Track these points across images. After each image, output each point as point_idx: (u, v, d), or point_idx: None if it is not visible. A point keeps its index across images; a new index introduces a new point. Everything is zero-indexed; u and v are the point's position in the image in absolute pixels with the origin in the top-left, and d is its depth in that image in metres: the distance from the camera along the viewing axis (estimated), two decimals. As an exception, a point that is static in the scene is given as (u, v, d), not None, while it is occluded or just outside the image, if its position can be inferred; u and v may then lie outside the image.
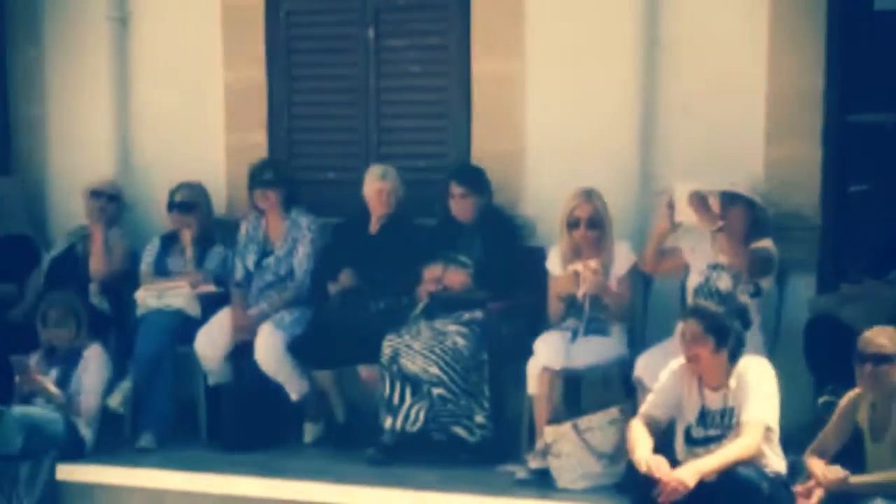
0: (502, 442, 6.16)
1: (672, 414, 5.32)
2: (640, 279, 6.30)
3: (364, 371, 6.40)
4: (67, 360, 6.55)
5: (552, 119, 6.79)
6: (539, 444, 5.87)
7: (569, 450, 5.75)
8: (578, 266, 6.04)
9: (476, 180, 6.59)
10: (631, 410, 5.63)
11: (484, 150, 6.89)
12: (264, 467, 6.18)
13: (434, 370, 6.11)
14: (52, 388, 6.40)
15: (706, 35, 6.46)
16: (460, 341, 6.15)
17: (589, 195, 6.23)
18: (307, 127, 7.32)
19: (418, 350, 6.15)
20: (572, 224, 6.21)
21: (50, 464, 6.15)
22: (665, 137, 6.56)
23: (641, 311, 6.36)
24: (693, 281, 6.02)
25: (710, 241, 6.00)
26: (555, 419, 5.84)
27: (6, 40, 7.70)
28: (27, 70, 7.67)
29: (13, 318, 7.04)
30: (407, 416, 6.14)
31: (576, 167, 6.59)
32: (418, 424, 6.13)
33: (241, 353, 6.61)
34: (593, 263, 6.04)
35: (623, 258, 6.24)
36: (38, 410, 6.32)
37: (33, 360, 6.50)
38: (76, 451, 6.36)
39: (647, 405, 5.36)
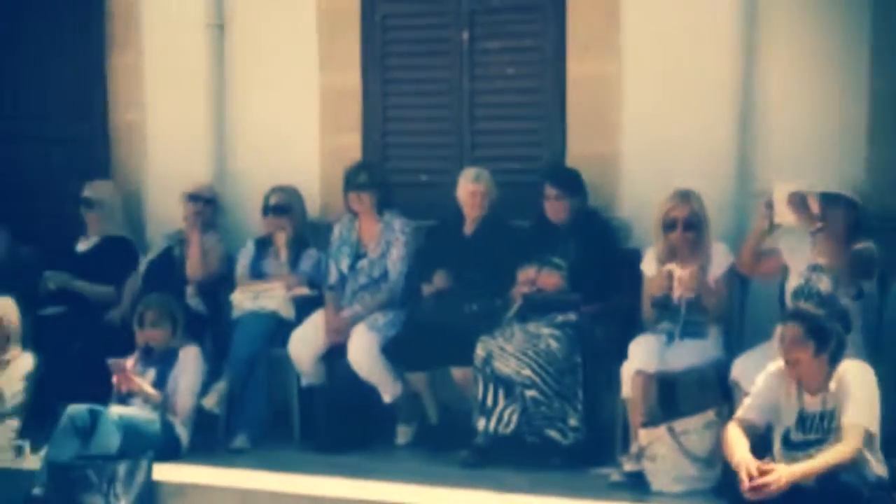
0: (596, 445, 6.18)
1: (769, 418, 5.26)
2: (737, 281, 6.26)
3: (457, 373, 6.45)
4: (164, 361, 6.69)
5: (648, 120, 6.80)
6: (633, 448, 5.87)
7: (664, 453, 5.73)
8: (673, 266, 6.02)
9: (571, 182, 6.62)
10: (727, 414, 5.58)
11: (579, 151, 6.92)
12: (357, 469, 6.25)
13: (527, 372, 6.14)
14: (149, 389, 6.55)
15: (806, 34, 6.43)
16: (554, 344, 6.17)
17: (686, 196, 6.21)
18: (401, 130, 7.41)
19: (512, 352, 6.19)
20: (669, 226, 6.20)
21: (147, 464, 6.22)
22: (764, 137, 6.53)
23: (738, 314, 6.33)
24: (792, 283, 5.96)
25: (809, 243, 5.94)
26: (649, 422, 5.83)
27: (107, 46, 7.89)
28: (127, 76, 7.86)
29: (111, 320, 7.23)
30: (500, 419, 6.17)
31: (672, 168, 6.59)
32: (511, 427, 6.16)
33: (334, 355, 6.70)
34: (688, 271, 6.02)
35: (720, 260, 6.20)
36: (135, 411, 6.45)
37: (130, 361, 6.65)
38: (172, 452, 6.48)
39: (744, 409, 5.31)
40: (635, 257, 6.44)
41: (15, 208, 8.01)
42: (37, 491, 6.16)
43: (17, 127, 8.29)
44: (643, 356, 5.97)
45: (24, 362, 6.89)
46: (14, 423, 6.78)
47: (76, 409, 6.31)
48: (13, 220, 7.86)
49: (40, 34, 8.17)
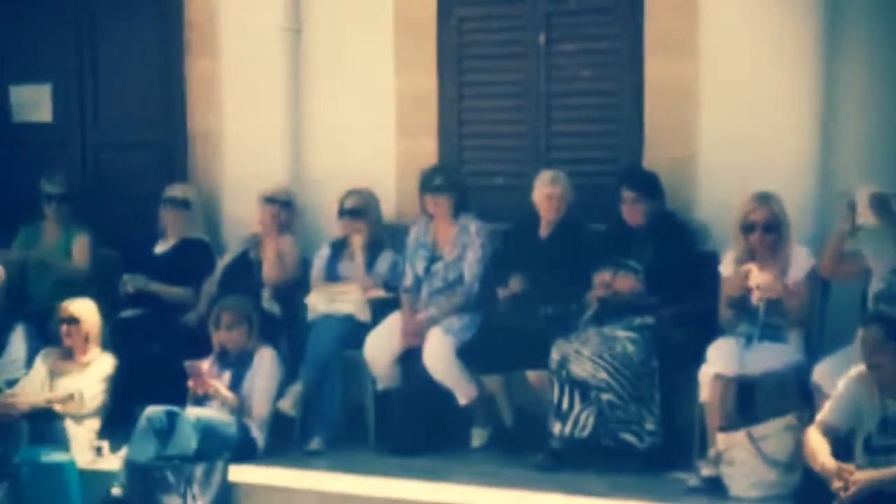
0: (673, 449, 6.17)
1: (851, 422, 5.24)
2: (818, 284, 6.23)
3: (532, 376, 6.49)
4: (239, 364, 6.79)
5: (727, 121, 6.81)
6: (711, 452, 5.86)
7: (742, 457, 5.72)
8: (752, 266, 6.00)
9: (648, 185, 6.63)
10: (808, 418, 5.56)
11: (656, 154, 6.94)
12: (431, 472, 6.30)
13: (603, 376, 6.16)
14: (225, 392, 6.66)
15: (887, 32, 6.37)
16: (630, 347, 6.19)
17: (765, 199, 6.20)
18: (477, 133, 7.48)
19: (588, 356, 6.21)
20: (748, 228, 6.19)
21: (223, 465, 6.32)
22: (845, 138, 6.51)
23: (819, 317, 6.29)
24: (875, 286, 5.91)
25: (892, 245, 5.89)
26: (728, 426, 5.82)
27: (185, 53, 8.05)
28: (205, 81, 7.99)
29: (188, 322, 7.33)
30: (576, 422, 6.20)
31: (751, 170, 6.60)
32: (587, 430, 6.19)
33: (410, 357, 6.76)
34: (767, 274, 6.00)
35: (800, 262, 6.18)
36: (212, 413, 6.56)
37: (206, 364, 6.76)
38: (248, 453, 6.58)
39: (825, 413, 5.29)
40: (713, 260, 6.44)
41: (96, 212, 8.18)
42: (116, 491, 6.30)
43: (98, 133, 8.50)
44: (722, 359, 5.97)
45: (103, 364, 7.03)
46: (93, 424, 6.91)
47: (154, 411, 6.44)
48: (94, 224, 8.01)
49: (120, 42, 8.36)
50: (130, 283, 7.49)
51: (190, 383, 6.65)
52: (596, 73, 7.17)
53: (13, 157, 8.64)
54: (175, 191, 7.73)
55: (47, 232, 7.95)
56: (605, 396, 6.15)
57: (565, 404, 6.22)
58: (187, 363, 6.66)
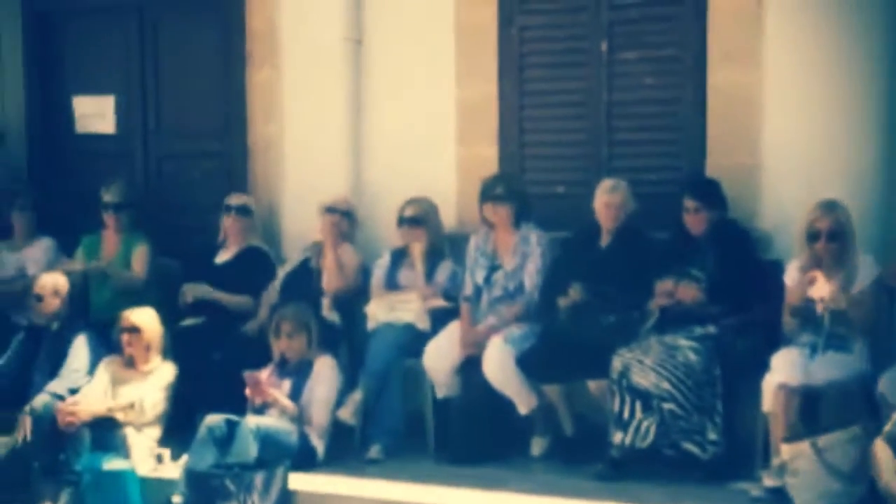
0: (735, 459, 6.17)
1: (919, 433, 5.23)
2: (884, 293, 6.21)
3: (593, 385, 6.51)
4: (299, 372, 6.87)
5: (791, 129, 6.82)
6: (775, 462, 5.86)
7: (806, 468, 5.70)
8: (817, 273, 5.99)
9: (711, 194, 6.64)
10: (874, 429, 5.54)
11: (719, 162, 6.96)
12: (491, 481, 6.35)
13: (665, 385, 6.18)
14: (284, 401, 6.73)
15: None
16: (692, 356, 6.20)
17: (831, 207, 6.19)
18: (538, 141, 7.53)
19: (649, 365, 6.23)
20: (812, 236, 6.19)
21: (283, 473, 6.38)
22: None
23: (886, 326, 6.26)
24: (943, 295, 5.92)
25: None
26: (792, 437, 5.80)
27: (246, 63, 8.17)
28: (266, 91, 8.11)
29: (248, 331, 7.42)
30: (637, 432, 6.22)
31: (816, 178, 6.62)
32: (648, 440, 6.20)
33: (469, 366, 6.80)
34: (831, 283, 5.99)
35: (866, 271, 6.16)
36: (271, 421, 6.63)
37: (266, 373, 6.85)
38: (308, 461, 6.64)
39: (892, 425, 5.27)
40: (777, 268, 6.44)
41: (157, 222, 8.34)
42: (176, 499, 6.39)
43: (160, 143, 8.65)
44: (786, 369, 5.96)
45: (164, 372, 7.14)
46: (154, 433, 7.02)
47: (214, 420, 6.53)
48: (155, 234, 8.14)
49: (183, 53, 8.53)
50: (190, 291, 7.60)
51: (248, 392, 6.74)
52: (658, 80, 7.20)
53: (77, 167, 8.83)
54: (236, 199, 7.84)
55: (108, 242, 8.07)
56: (667, 406, 6.17)
57: (626, 413, 6.24)
58: (246, 373, 6.74)
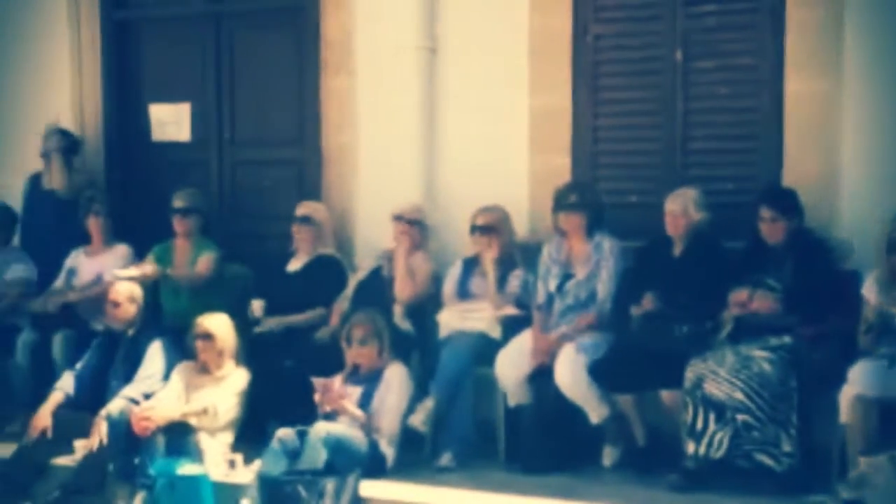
0: (811, 472, 6.15)
1: None
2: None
3: (666, 395, 6.52)
4: (370, 380, 6.94)
5: (871, 138, 6.79)
6: (852, 475, 5.80)
7: (884, 482, 5.66)
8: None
9: (787, 203, 6.63)
10: (956, 443, 5.53)
11: (796, 171, 6.94)
12: (562, 490, 6.37)
13: (739, 396, 6.17)
14: (353, 409, 6.80)
15: None
16: (767, 367, 6.19)
17: (911, 218, 6.17)
18: (611, 150, 7.56)
19: (723, 375, 6.23)
20: (891, 248, 6.15)
21: (354, 480, 6.44)
22: None
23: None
24: None
25: None
26: (869, 449, 5.78)
27: (321, 70, 8.26)
28: (340, 99, 8.20)
29: (320, 339, 7.48)
30: (710, 443, 6.22)
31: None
32: (722, 451, 6.20)
33: (541, 375, 6.83)
34: None
35: (946, 283, 6.13)
36: (342, 428, 6.69)
37: (337, 380, 6.93)
38: (377, 469, 6.71)
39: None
40: (854, 279, 6.41)
41: (231, 230, 8.49)
42: (244, 503, 6.49)
43: (234, 151, 8.78)
44: (864, 381, 5.95)
45: (237, 378, 7.25)
46: (227, 438, 7.14)
47: (286, 434, 6.61)
48: (229, 241, 8.29)
49: (258, 61, 8.65)
50: (258, 306, 7.70)
51: (316, 399, 6.83)
52: (734, 89, 7.20)
53: (152, 175, 8.99)
54: (302, 209, 7.92)
55: (178, 249, 8.19)
56: (741, 417, 6.16)
57: (699, 424, 6.24)
58: (315, 379, 6.83)
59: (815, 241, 6.63)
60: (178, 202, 8.14)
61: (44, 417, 7.26)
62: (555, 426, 6.79)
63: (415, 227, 7.52)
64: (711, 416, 6.22)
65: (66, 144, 8.72)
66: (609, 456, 6.82)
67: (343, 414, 6.79)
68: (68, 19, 9.10)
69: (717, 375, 6.24)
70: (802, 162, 6.94)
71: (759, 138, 7.15)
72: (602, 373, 6.65)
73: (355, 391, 6.92)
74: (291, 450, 6.57)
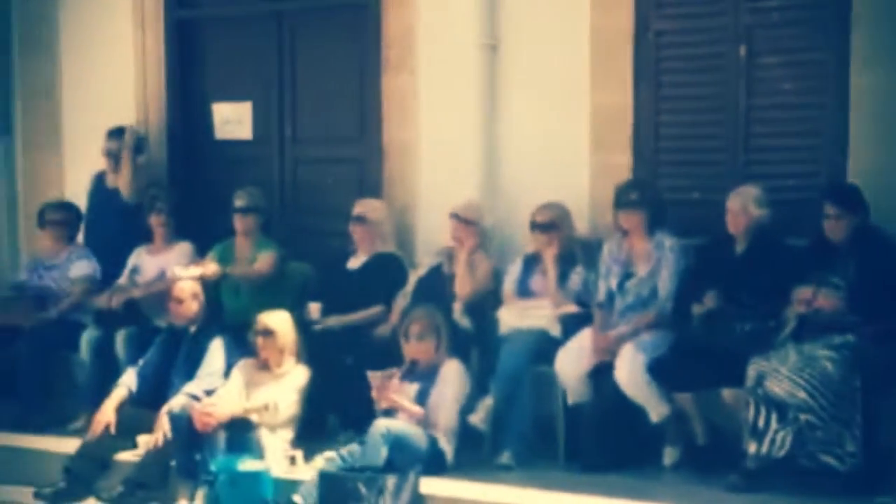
0: (876, 472, 6.09)
1: None
2: None
3: (727, 394, 6.49)
4: (427, 376, 6.98)
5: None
6: (918, 477, 5.79)
7: (950, 482, 5.65)
8: None
9: (852, 200, 6.59)
10: None
11: (861, 167, 6.88)
12: (621, 489, 6.37)
13: (802, 395, 6.14)
14: (408, 405, 6.86)
15: None
16: (830, 366, 6.15)
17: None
18: (673, 147, 7.53)
19: (786, 374, 6.20)
20: (959, 244, 6.12)
21: (415, 477, 6.49)
22: None
23: None
24: None
25: None
26: (936, 450, 5.75)
27: (383, 68, 8.31)
28: (401, 96, 8.25)
29: (380, 336, 7.52)
30: (772, 442, 6.19)
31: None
32: (784, 451, 6.17)
33: (601, 373, 6.83)
34: None
35: None
36: (401, 425, 6.74)
37: (395, 375, 6.98)
38: (437, 466, 6.75)
39: None
40: (922, 277, 6.36)
41: (293, 226, 8.58)
42: (297, 499, 6.55)
43: (296, 149, 8.86)
44: (929, 380, 5.90)
45: (298, 375, 7.32)
46: (287, 434, 7.20)
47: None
48: (291, 239, 8.38)
49: (319, 59, 8.72)
50: (315, 309, 7.77)
51: (373, 394, 6.89)
52: (798, 85, 7.15)
53: (215, 173, 9.10)
54: (357, 207, 7.95)
55: (239, 247, 8.26)
56: (804, 416, 6.13)
57: (761, 423, 6.21)
58: (370, 374, 6.89)
59: (880, 238, 6.57)
60: (238, 201, 8.22)
61: (107, 413, 7.38)
62: (614, 424, 6.79)
63: (475, 224, 7.55)
64: (773, 416, 6.19)
65: (130, 143, 8.85)
66: (669, 455, 6.80)
67: (401, 410, 6.83)
68: (133, 19, 9.24)
69: (780, 374, 6.21)
70: (867, 158, 6.87)
71: (824, 134, 7.09)
72: (662, 371, 6.64)
73: (412, 387, 6.96)
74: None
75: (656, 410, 6.71)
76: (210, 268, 7.97)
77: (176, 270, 7.90)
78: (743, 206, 6.76)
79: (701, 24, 7.47)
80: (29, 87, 9.73)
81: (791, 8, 7.19)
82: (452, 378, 6.94)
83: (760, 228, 6.77)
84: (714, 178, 7.34)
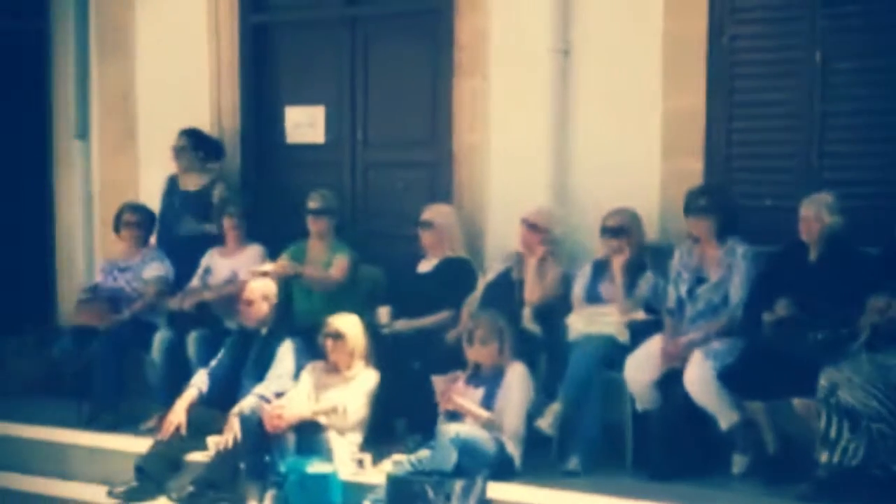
0: (949, 483, 6.04)
1: None
2: None
3: (798, 403, 6.45)
4: (492, 380, 7.02)
5: None
6: None
7: None
8: None
9: (929, 207, 6.55)
10: None
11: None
12: (689, 497, 6.37)
13: (875, 404, 6.10)
14: (473, 409, 6.90)
15: None
16: (904, 376, 6.11)
17: None
18: (746, 153, 7.49)
19: (859, 384, 6.15)
20: None
21: (482, 482, 6.53)
22: None
23: None
24: None
25: None
26: None
27: (454, 72, 8.35)
28: (473, 100, 8.28)
29: (449, 340, 7.52)
30: (844, 452, 6.14)
31: None
32: (856, 460, 6.13)
33: (670, 380, 6.82)
34: None
35: None
36: (470, 429, 6.78)
37: (459, 378, 7.03)
38: (505, 471, 6.78)
39: None
40: None
41: (363, 230, 8.66)
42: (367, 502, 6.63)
43: (367, 153, 8.93)
44: None
45: (367, 378, 7.39)
46: (356, 437, 7.27)
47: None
48: (362, 242, 8.45)
49: (391, 63, 8.79)
50: (385, 313, 7.83)
51: (438, 398, 6.94)
52: (874, 91, 7.09)
53: (286, 176, 9.20)
54: (426, 213, 8.00)
55: (312, 249, 8.35)
56: (877, 426, 6.09)
57: (833, 432, 6.17)
58: (434, 378, 6.94)
59: (958, 246, 6.52)
60: (312, 203, 8.31)
61: (178, 414, 7.50)
62: (683, 432, 6.78)
63: (544, 230, 7.56)
64: (846, 425, 6.14)
65: (201, 146, 8.99)
66: (738, 464, 6.77)
67: (467, 414, 6.87)
68: (208, 24, 9.37)
69: (853, 383, 6.16)
70: (946, 164, 6.84)
71: (901, 140, 7.05)
72: (733, 379, 6.61)
73: (478, 392, 7.00)
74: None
75: (726, 418, 6.68)
76: (287, 266, 8.08)
77: (252, 268, 8.02)
78: (817, 213, 6.72)
79: (776, 30, 7.43)
80: (105, 91, 9.89)
81: (868, 13, 7.13)
82: (517, 382, 6.96)
83: (834, 236, 6.72)
84: (787, 184, 7.29)
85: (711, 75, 7.52)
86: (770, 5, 7.46)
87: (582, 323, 7.22)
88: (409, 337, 7.66)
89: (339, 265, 8.15)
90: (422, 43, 8.64)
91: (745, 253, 6.94)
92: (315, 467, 6.90)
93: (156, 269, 8.67)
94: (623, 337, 7.11)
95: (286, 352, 7.64)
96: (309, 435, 7.13)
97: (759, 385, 6.56)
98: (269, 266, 8.06)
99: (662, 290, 7.18)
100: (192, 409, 7.54)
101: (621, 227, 7.30)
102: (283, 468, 6.95)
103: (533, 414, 6.96)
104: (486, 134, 8.23)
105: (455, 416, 6.91)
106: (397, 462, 6.80)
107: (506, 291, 7.55)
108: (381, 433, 7.42)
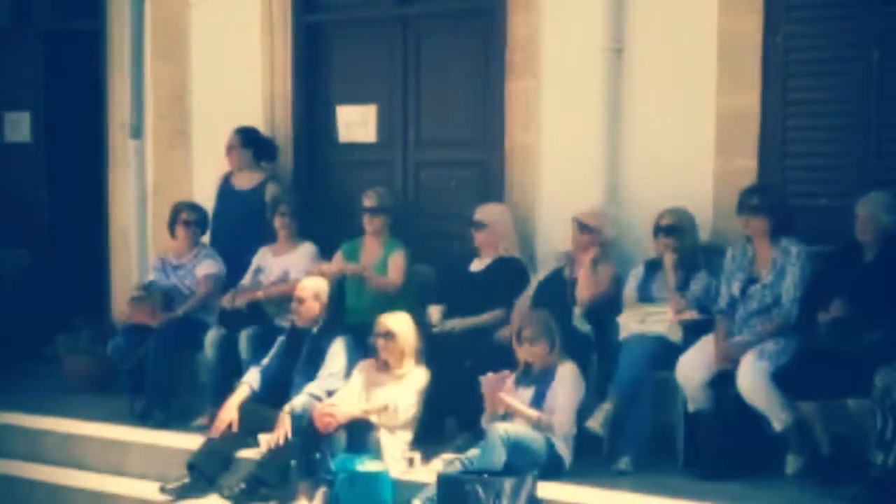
0: None
1: None
2: None
3: (853, 404, 6.40)
4: (542, 379, 7.03)
5: None
6: None
7: None
8: None
9: (985, 208, 6.48)
10: None
11: None
12: (742, 498, 6.35)
13: (930, 406, 6.06)
14: (522, 409, 6.90)
15: None
16: (960, 377, 6.05)
17: None
18: (801, 152, 7.45)
19: (914, 385, 6.12)
20: None
21: (532, 481, 6.51)
22: None
23: None
24: None
25: None
26: None
27: (506, 71, 8.36)
28: (525, 99, 8.29)
29: (500, 339, 7.55)
30: (900, 453, 6.12)
31: None
32: (912, 463, 6.09)
33: (722, 380, 6.80)
34: None
35: None
36: (521, 429, 6.79)
37: (507, 377, 7.03)
38: (556, 470, 6.79)
39: None
40: None
41: (414, 229, 8.66)
42: (416, 503, 6.62)
43: (419, 152, 8.97)
44: None
45: (417, 377, 7.40)
46: (406, 436, 7.29)
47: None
48: (412, 241, 8.45)
49: (443, 63, 8.82)
50: (436, 312, 7.86)
51: (486, 399, 6.95)
52: (930, 89, 7.06)
53: (338, 175, 9.26)
54: (478, 213, 8.00)
55: (367, 247, 8.40)
56: (932, 428, 6.06)
57: (889, 434, 6.13)
58: (482, 378, 6.95)
59: None
60: (367, 201, 8.36)
61: (230, 411, 7.57)
62: (735, 432, 6.75)
63: (596, 230, 7.56)
64: (901, 427, 6.12)
65: (254, 145, 9.06)
66: (792, 464, 6.74)
67: (515, 413, 6.88)
68: (261, 24, 9.43)
69: (908, 384, 6.13)
70: None
71: (957, 141, 7.00)
72: (786, 379, 6.58)
73: (527, 392, 7.01)
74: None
75: (779, 419, 6.65)
76: (349, 267, 8.19)
77: (311, 267, 8.11)
78: (872, 213, 6.67)
79: (832, 28, 7.38)
80: (160, 91, 9.98)
81: (927, 10, 7.10)
82: (568, 381, 6.97)
83: (890, 236, 6.67)
84: (843, 183, 7.25)
85: (766, 73, 7.49)
86: (825, 3, 7.42)
87: (634, 322, 7.21)
88: (461, 335, 7.68)
89: (396, 264, 8.20)
90: (473, 42, 8.66)
91: (800, 253, 6.89)
92: (365, 466, 6.91)
93: (208, 267, 8.74)
94: (675, 336, 7.09)
95: (337, 350, 7.68)
96: (359, 433, 7.16)
97: (813, 386, 6.51)
98: (327, 266, 8.11)
99: (715, 289, 7.15)
100: (243, 407, 7.60)
101: (675, 227, 7.28)
102: (333, 466, 6.97)
103: (583, 413, 6.95)
104: (538, 133, 8.23)
105: (505, 415, 6.91)
106: (448, 461, 6.83)
107: (558, 291, 7.56)
108: (431, 432, 7.44)
